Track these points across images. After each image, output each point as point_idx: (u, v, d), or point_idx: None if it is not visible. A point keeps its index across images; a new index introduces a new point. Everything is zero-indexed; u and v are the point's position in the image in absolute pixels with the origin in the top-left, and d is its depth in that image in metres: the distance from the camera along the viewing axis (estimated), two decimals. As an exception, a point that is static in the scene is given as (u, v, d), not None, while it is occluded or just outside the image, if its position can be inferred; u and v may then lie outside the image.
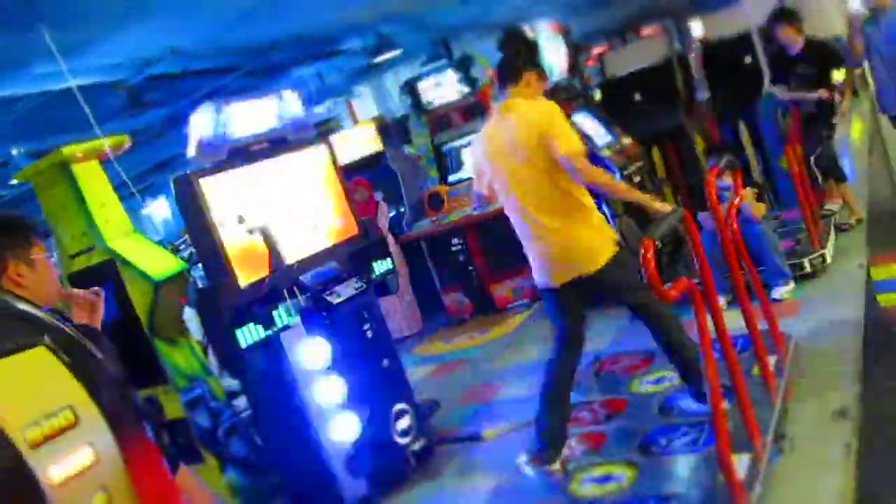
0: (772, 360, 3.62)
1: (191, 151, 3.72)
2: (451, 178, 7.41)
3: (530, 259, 3.55)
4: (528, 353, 5.62)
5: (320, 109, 11.41)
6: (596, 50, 11.60)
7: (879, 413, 3.36)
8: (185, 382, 4.22)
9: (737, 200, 3.71)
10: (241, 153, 3.92)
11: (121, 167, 12.87)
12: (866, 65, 6.48)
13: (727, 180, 4.28)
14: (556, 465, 3.36)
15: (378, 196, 7.23)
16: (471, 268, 6.82)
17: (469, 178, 7.20)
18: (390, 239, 6.96)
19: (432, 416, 4.76)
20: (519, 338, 6.10)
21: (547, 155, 3.26)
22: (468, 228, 6.80)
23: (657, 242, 2.47)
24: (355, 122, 10.64)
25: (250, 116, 4.00)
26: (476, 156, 3.66)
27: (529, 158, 3.31)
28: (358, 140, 7.81)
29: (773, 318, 3.76)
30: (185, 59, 7.45)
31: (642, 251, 2.43)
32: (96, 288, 2.66)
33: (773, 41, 5.97)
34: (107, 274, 4.20)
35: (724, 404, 2.76)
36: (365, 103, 15.10)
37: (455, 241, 6.82)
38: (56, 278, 2.40)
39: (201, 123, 3.74)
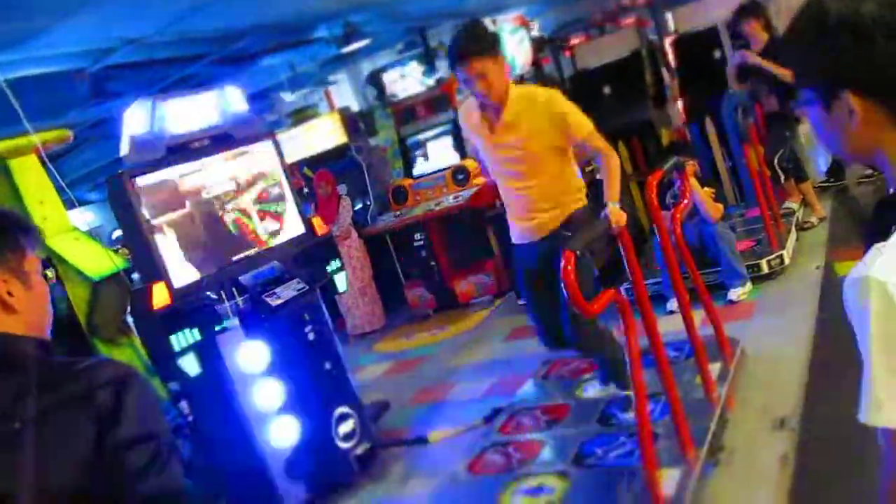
0: (716, 367, 3.57)
1: (123, 150, 3.60)
2: (416, 171, 7.32)
3: None
4: (487, 351, 5.57)
5: (292, 98, 11.26)
6: (573, 41, 11.52)
7: (820, 422, 3.31)
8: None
9: (683, 203, 3.64)
10: (180, 150, 3.82)
11: (90, 156, 12.63)
12: None
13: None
14: None
15: (342, 190, 7.14)
16: (433, 263, 6.74)
17: (435, 172, 7.15)
18: (354, 233, 6.88)
19: (381, 417, 4.71)
20: (479, 335, 6.04)
21: None
22: (431, 223, 6.71)
23: (578, 253, 2.40)
24: (333, 109, 10.52)
25: (190, 112, 3.88)
26: None
27: None
28: (323, 132, 7.69)
29: (719, 323, 3.70)
30: (146, 49, 7.30)
31: (563, 263, 2.35)
32: None
33: (739, 36, 5.89)
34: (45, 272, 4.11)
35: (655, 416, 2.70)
36: (342, 91, 14.95)
37: (418, 235, 6.73)
38: (50, 304, 1.54)
39: (135, 120, 3.63)
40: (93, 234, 9.52)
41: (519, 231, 3.45)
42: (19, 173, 4.16)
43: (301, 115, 9.07)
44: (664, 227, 3.35)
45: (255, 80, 11.05)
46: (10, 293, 1.36)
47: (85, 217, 12.97)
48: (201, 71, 9.55)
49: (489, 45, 3.21)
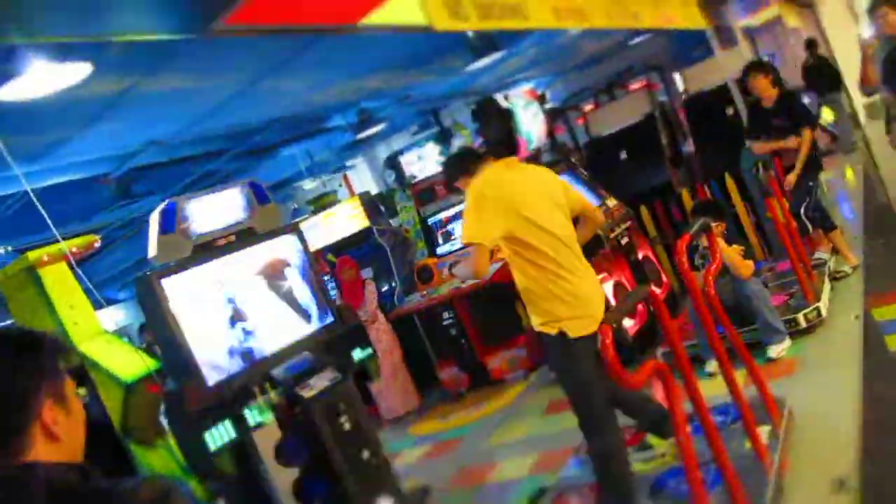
0: (765, 430, 3.45)
1: (151, 251, 3.63)
2: (440, 250, 7.32)
3: (567, 297, 3.21)
4: (525, 427, 5.45)
5: (311, 185, 11.42)
6: (585, 107, 11.66)
7: (882, 479, 3.17)
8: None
9: (713, 266, 3.58)
10: (206, 248, 3.84)
11: (118, 256, 12.78)
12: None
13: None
14: None
15: (366, 274, 7.14)
16: (463, 340, 6.67)
17: (459, 249, 7.13)
18: (380, 316, 6.85)
19: (423, 504, 4.59)
20: (516, 411, 5.92)
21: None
22: (459, 301, 6.67)
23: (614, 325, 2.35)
24: (352, 195, 10.66)
25: (215, 210, 3.93)
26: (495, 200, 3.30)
27: (563, 206, 3.42)
28: (344, 217, 7.75)
29: (763, 384, 3.59)
30: (168, 150, 7.47)
31: (600, 337, 2.30)
32: None
33: (749, 92, 5.92)
34: (79, 378, 4.11)
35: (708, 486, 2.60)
36: (361, 175, 15.18)
37: (446, 314, 6.68)
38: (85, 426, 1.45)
39: (161, 221, 3.67)
40: (120, 332, 9.48)
41: None
42: (49, 280, 4.22)
43: (321, 202, 9.19)
44: (698, 288, 3.29)
45: (275, 171, 11.26)
46: (54, 421, 1.32)
47: (114, 316, 13.07)
48: (222, 166, 9.76)
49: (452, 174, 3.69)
